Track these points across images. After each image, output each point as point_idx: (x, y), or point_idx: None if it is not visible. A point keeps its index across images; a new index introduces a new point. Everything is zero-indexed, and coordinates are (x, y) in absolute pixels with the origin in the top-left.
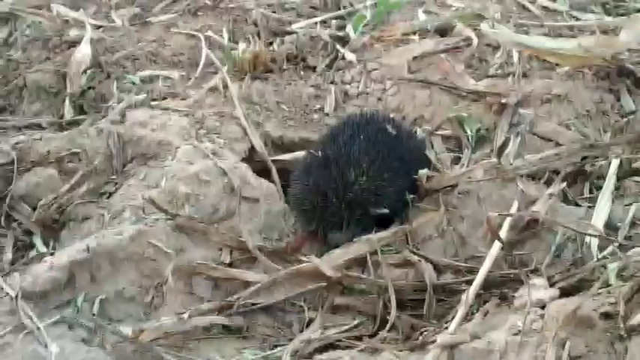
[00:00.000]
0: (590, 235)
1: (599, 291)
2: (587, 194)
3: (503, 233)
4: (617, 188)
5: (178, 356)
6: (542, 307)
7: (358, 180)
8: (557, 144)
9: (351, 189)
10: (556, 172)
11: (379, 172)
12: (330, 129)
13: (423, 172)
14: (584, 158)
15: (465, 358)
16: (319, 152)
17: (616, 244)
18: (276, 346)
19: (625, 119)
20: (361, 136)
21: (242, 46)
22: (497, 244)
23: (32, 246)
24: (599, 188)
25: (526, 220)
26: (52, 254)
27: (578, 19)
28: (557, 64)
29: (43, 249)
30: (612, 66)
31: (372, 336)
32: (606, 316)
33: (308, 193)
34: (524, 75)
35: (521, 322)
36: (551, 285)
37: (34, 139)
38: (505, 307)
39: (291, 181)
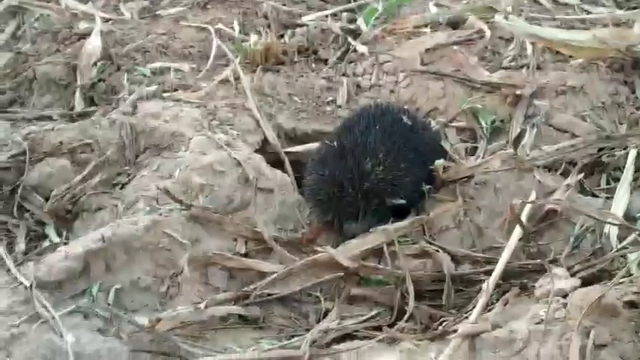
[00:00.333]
0: (610, 223)
1: (621, 280)
2: (604, 185)
3: (523, 220)
4: (634, 179)
5: (195, 346)
6: (564, 297)
7: (375, 170)
8: (574, 135)
9: (367, 179)
10: (572, 163)
11: (396, 163)
12: (344, 120)
13: (440, 162)
14: (600, 150)
15: (487, 347)
16: (335, 143)
17: (637, 232)
18: (292, 337)
19: None
20: (377, 127)
21: (253, 38)
22: (516, 235)
23: (45, 236)
24: (616, 180)
25: (545, 211)
26: (65, 244)
27: (589, 13)
28: (570, 57)
29: (56, 239)
30: (627, 58)
31: (389, 326)
32: (630, 304)
33: (324, 184)
34: (538, 67)
35: (543, 312)
36: (572, 275)
37: (46, 129)
38: (525, 297)
39: (306, 172)
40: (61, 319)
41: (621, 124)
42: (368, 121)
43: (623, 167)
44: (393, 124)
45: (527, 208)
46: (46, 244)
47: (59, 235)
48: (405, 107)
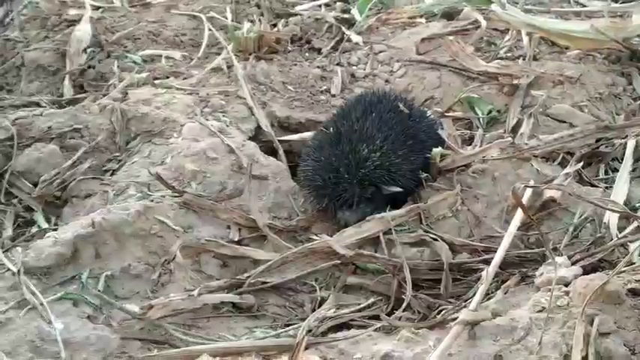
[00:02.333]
0: (613, 210)
1: (624, 269)
2: (602, 176)
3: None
4: (633, 169)
5: (187, 334)
6: (566, 285)
7: (371, 156)
8: (572, 125)
9: (363, 165)
10: (570, 153)
11: (393, 149)
12: (341, 106)
13: (437, 150)
14: (598, 140)
15: (488, 335)
16: (331, 129)
17: (639, 220)
18: (287, 326)
19: (638, 102)
20: (373, 114)
21: (246, 26)
22: (516, 222)
23: (33, 223)
24: (615, 170)
25: (543, 200)
26: (54, 231)
27: (584, 6)
28: (566, 48)
29: (44, 225)
30: (624, 50)
31: (387, 315)
32: (634, 292)
33: (319, 169)
34: (535, 58)
35: (545, 299)
36: (572, 265)
37: (35, 114)
38: (525, 286)
39: (301, 158)
40: (49, 305)
41: (618, 115)
42: (365, 108)
43: (622, 157)
44: (390, 111)
45: (526, 197)
46: (35, 230)
47: (48, 221)
48: (403, 95)
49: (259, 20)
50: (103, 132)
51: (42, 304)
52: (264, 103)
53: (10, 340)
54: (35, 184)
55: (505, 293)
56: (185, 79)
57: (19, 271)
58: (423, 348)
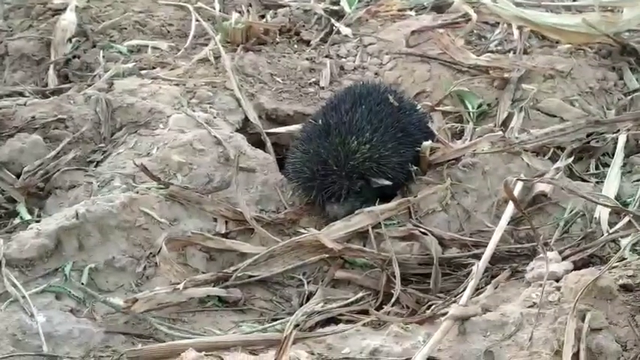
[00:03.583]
0: (604, 205)
1: (615, 264)
2: (593, 170)
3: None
4: (624, 164)
5: (172, 328)
6: (556, 281)
7: (361, 148)
8: (562, 120)
9: (352, 157)
10: (561, 148)
11: (382, 142)
12: (330, 98)
13: (427, 144)
14: (589, 135)
15: (478, 331)
16: (320, 121)
17: (631, 215)
18: (274, 320)
19: (629, 97)
20: (363, 106)
21: (235, 16)
22: (506, 216)
23: (16, 214)
24: (605, 165)
25: (534, 194)
26: (37, 222)
27: (575, 0)
28: (557, 42)
29: (27, 217)
30: (615, 44)
31: (376, 310)
32: (625, 288)
33: (307, 161)
34: (525, 52)
35: (536, 295)
36: (562, 260)
37: (19, 104)
38: (515, 281)
39: (290, 150)
40: (31, 298)
41: (609, 109)
42: (354, 100)
43: (612, 152)
44: (380, 103)
45: (517, 191)
46: (17, 221)
47: (30, 212)
48: (393, 88)
49: (247, 11)
50: (87, 122)
51: (24, 296)
52: (251, 95)
53: None
54: (18, 175)
55: (495, 288)
56: (172, 69)
57: (0, 263)
58: (412, 343)
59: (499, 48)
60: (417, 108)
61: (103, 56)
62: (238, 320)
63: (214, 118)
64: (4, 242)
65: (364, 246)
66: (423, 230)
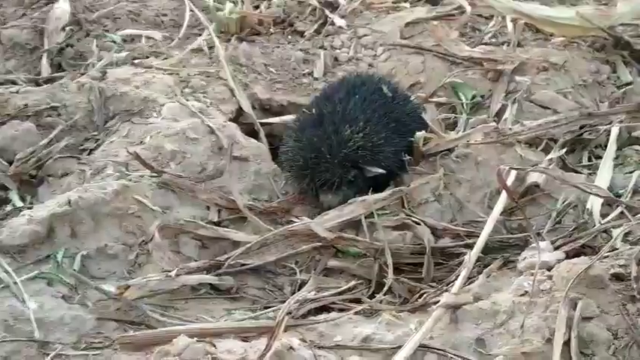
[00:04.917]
0: (597, 195)
1: (607, 254)
2: (585, 162)
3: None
4: (615, 157)
5: (165, 315)
6: (548, 270)
7: (354, 137)
8: (555, 112)
9: (346, 146)
10: (553, 140)
11: (376, 131)
12: (324, 88)
13: (420, 134)
14: (582, 127)
15: (470, 319)
16: (313, 110)
17: (623, 206)
18: (266, 308)
19: (622, 90)
20: (357, 96)
21: (229, 6)
22: (499, 206)
23: (8, 201)
24: (598, 157)
25: (526, 186)
26: (29, 209)
27: None
28: (551, 35)
29: (19, 204)
30: (608, 38)
31: (368, 299)
32: (617, 277)
33: (301, 149)
34: (519, 44)
35: (528, 284)
36: (555, 249)
37: (12, 92)
38: (507, 270)
39: (283, 139)
40: (23, 284)
41: (602, 102)
42: (348, 90)
43: (605, 145)
44: (373, 93)
45: (510, 181)
46: (9, 208)
47: (23, 200)
48: (387, 79)
49: (242, 1)
50: (80, 110)
51: (15, 282)
52: (245, 85)
53: None
54: (10, 162)
55: (487, 277)
56: (165, 59)
57: None
58: (404, 331)
59: (493, 40)
60: (411, 99)
61: (97, 45)
62: (231, 308)
63: (208, 107)
64: None
65: (357, 235)
66: (415, 220)
